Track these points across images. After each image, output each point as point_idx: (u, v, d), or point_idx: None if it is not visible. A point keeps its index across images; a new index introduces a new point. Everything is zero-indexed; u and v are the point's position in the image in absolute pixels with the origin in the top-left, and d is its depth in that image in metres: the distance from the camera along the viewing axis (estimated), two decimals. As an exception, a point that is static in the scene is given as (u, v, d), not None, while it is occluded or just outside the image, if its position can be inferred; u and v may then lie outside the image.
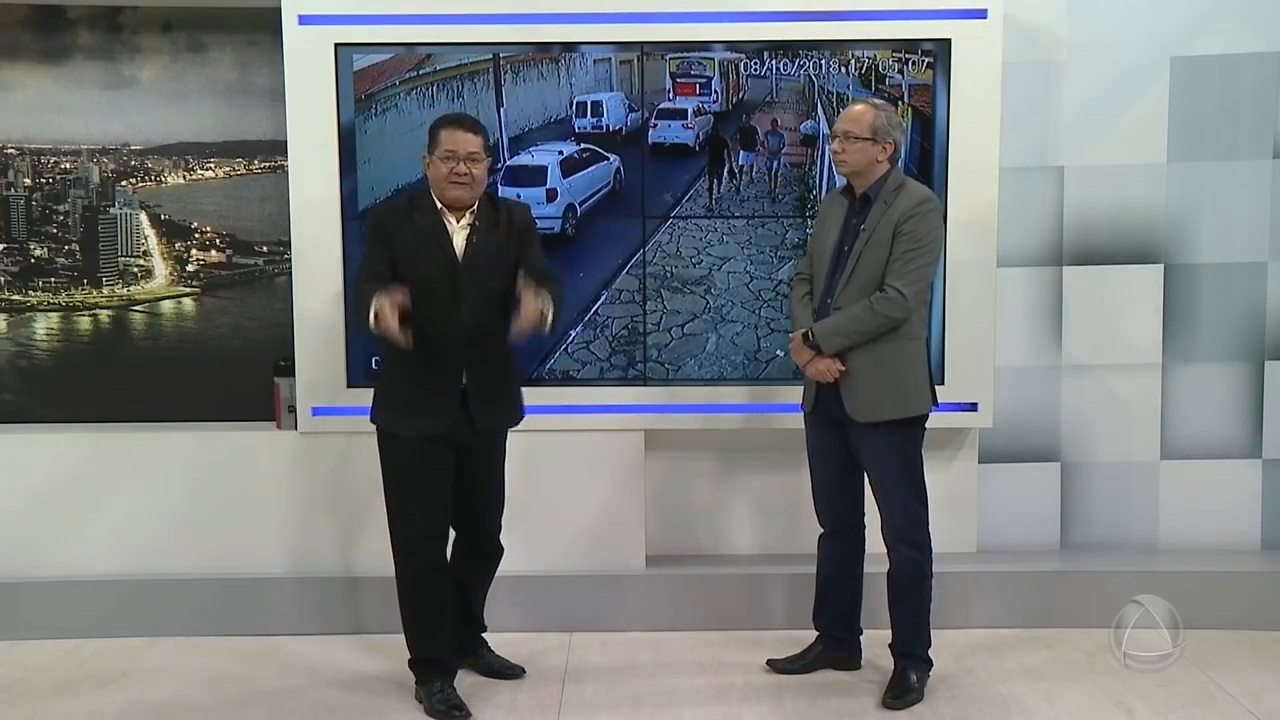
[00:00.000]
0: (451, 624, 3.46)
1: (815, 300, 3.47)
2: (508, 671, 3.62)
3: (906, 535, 3.42)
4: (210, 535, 4.07)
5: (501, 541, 3.57)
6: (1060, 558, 4.24)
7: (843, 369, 3.35)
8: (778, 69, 4.00)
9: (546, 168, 3.98)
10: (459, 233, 3.29)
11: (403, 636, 3.78)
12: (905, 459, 3.40)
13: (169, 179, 4.33)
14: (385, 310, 3.05)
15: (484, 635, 3.68)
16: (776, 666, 3.68)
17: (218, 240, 4.36)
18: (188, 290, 4.37)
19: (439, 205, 3.30)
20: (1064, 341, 4.24)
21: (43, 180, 4.31)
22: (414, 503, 3.34)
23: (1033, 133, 4.15)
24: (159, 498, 4.07)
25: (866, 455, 3.43)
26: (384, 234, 3.30)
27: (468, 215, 3.30)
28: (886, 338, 3.33)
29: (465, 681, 3.54)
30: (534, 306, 3.12)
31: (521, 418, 3.52)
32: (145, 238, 4.35)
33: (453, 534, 3.48)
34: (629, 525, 4.10)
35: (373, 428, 3.40)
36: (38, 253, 4.33)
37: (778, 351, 4.07)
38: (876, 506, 3.46)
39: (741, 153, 4.04)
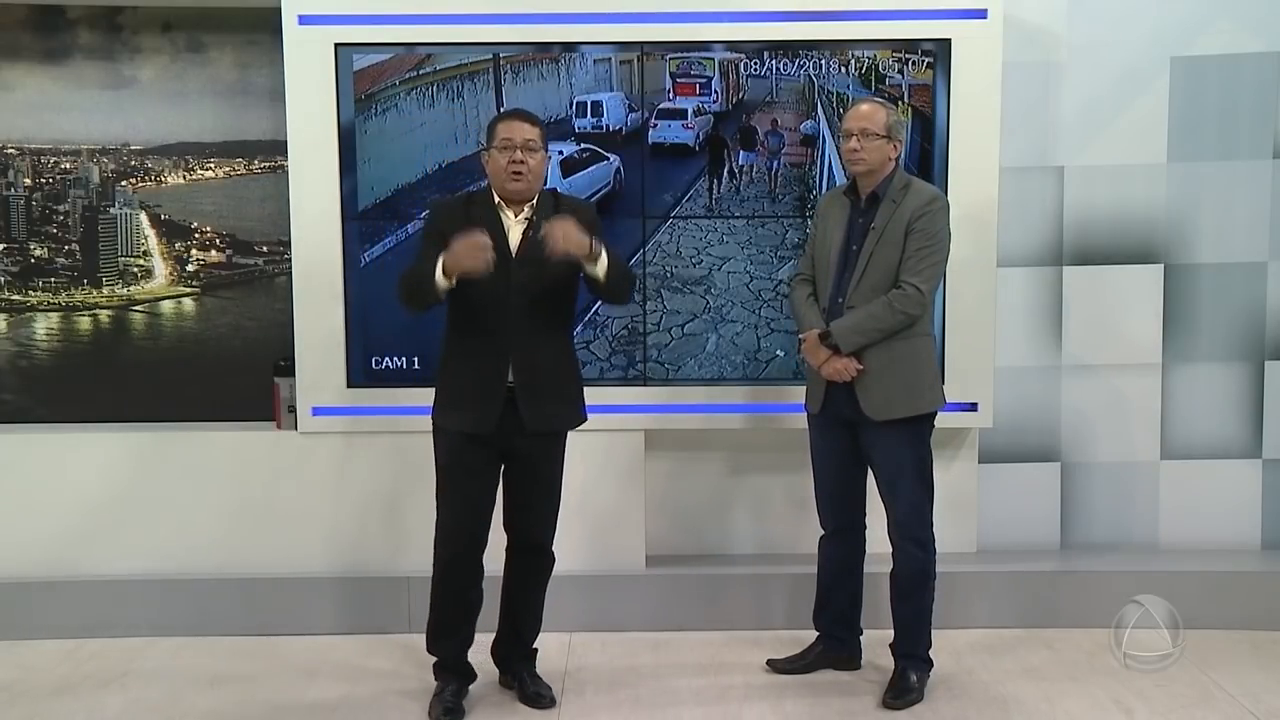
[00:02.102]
0: (471, 630, 3.43)
1: (823, 300, 3.47)
2: (541, 702, 3.45)
3: (913, 533, 3.43)
4: (209, 535, 4.07)
5: (554, 552, 3.46)
6: (1060, 558, 4.24)
7: (860, 368, 3.35)
8: (778, 69, 4.00)
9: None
10: (515, 227, 3.26)
11: (401, 636, 3.78)
12: (918, 456, 3.41)
13: (169, 179, 4.33)
14: (471, 244, 3.05)
15: (530, 659, 3.54)
16: (776, 666, 3.68)
17: (218, 240, 4.36)
18: (188, 290, 4.37)
19: (497, 199, 3.27)
20: (1064, 341, 4.24)
21: (43, 180, 4.31)
22: (446, 502, 3.33)
23: (1033, 133, 4.15)
24: (158, 498, 4.06)
25: (878, 454, 3.43)
26: (438, 232, 3.23)
27: (526, 209, 3.27)
28: (900, 335, 3.34)
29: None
30: (569, 224, 3.11)
31: (582, 419, 3.41)
32: (145, 238, 4.36)
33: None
34: (629, 525, 4.09)
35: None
36: (38, 253, 4.33)
37: (778, 351, 4.07)
38: (883, 504, 3.46)
39: (741, 153, 4.04)
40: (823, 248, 3.49)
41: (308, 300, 4.00)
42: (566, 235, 3.09)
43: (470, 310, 3.25)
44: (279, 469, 4.07)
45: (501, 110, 3.41)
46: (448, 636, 3.41)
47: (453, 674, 3.43)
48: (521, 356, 3.24)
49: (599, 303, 4.02)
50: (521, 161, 3.19)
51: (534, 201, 3.28)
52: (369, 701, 3.50)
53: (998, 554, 4.24)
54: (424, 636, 3.46)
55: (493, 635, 3.54)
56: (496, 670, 3.57)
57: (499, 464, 3.33)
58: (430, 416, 3.36)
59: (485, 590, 3.43)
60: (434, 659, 3.45)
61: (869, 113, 3.37)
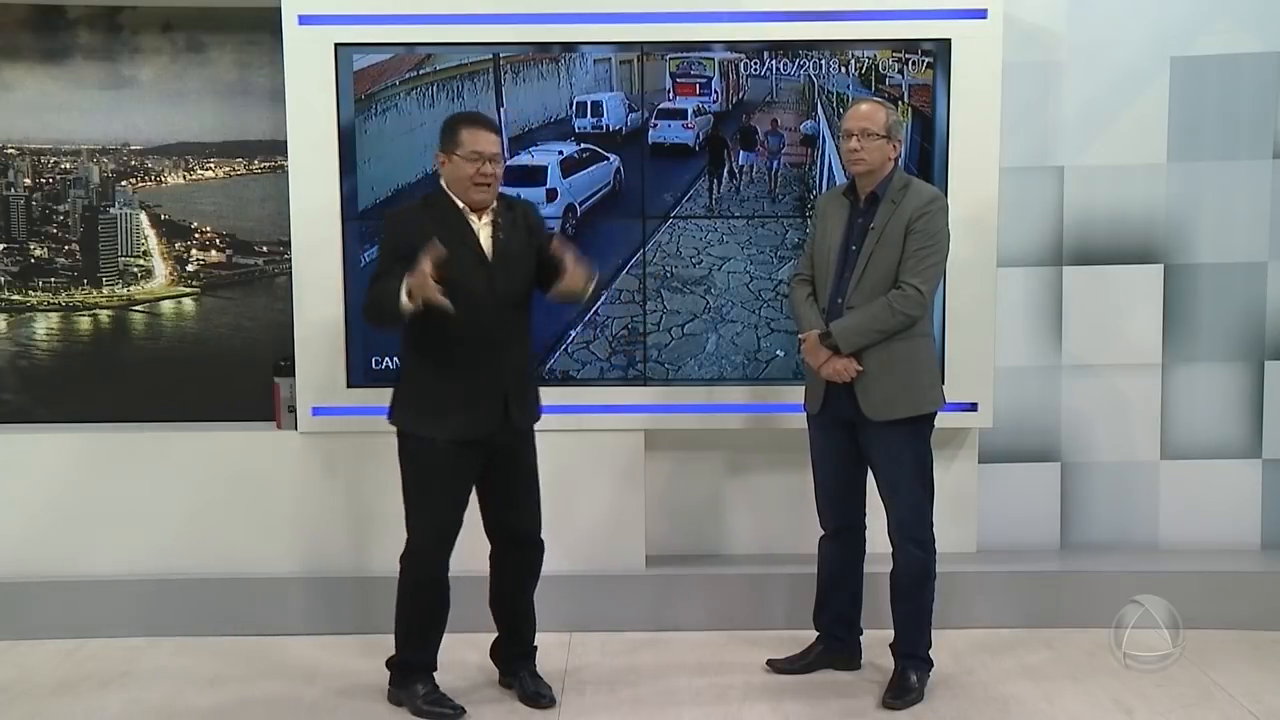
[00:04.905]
0: (443, 630, 3.43)
1: (823, 300, 3.46)
2: (544, 700, 3.45)
3: (913, 534, 3.43)
4: (210, 535, 4.07)
5: (543, 539, 3.51)
6: (1060, 558, 4.24)
7: (860, 368, 3.35)
8: (778, 69, 4.00)
9: (546, 168, 3.98)
10: (483, 230, 3.28)
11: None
12: (918, 456, 3.41)
13: (169, 179, 4.33)
14: (424, 276, 3.03)
15: (529, 658, 3.54)
16: (776, 666, 3.68)
17: (218, 240, 4.36)
18: (188, 290, 4.38)
19: (459, 204, 3.27)
20: (1064, 341, 4.24)
21: (43, 180, 4.31)
22: (433, 507, 3.31)
23: (1033, 133, 4.15)
24: (159, 498, 4.06)
25: (879, 454, 3.43)
26: (405, 246, 3.16)
27: (488, 214, 3.29)
28: (899, 336, 3.34)
29: (463, 682, 3.55)
30: (580, 268, 3.19)
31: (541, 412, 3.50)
32: (145, 238, 4.36)
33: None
34: (629, 525, 4.10)
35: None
36: (38, 253, 4.33)
37: (778, 351, 4.07)
38: (883, 505, 3.46)
39: (741, 153, 4.04)
40: (822, 248, 3.49)
41: (308, 300, 4.01)
42: (582, 280, 3.24)
43: (457, 316, 3.20)
44: (279, 469, 4.07)
45: (462, 113, 3.33)
46: (429, 640, 3.41)
47: (422, 671, 3.42)
48: (509, 357, 3.29)
49: (599, 302, 4.03)
50: (491, 174, 3.23)
51: (493, 205, 3.31)
52: (369, 701, 3.49)
53: (998, 554, 4.24)
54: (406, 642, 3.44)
55: (479, 636, 3.55)
56: (496, 670, 3.58)
57: (482, 464, 3.34)
58: (398, 428, 3.33)
59: (474, 594, 3.47)
60: (402, 663, 3.42)
61: (869, 113, 3.37)
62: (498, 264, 3.26)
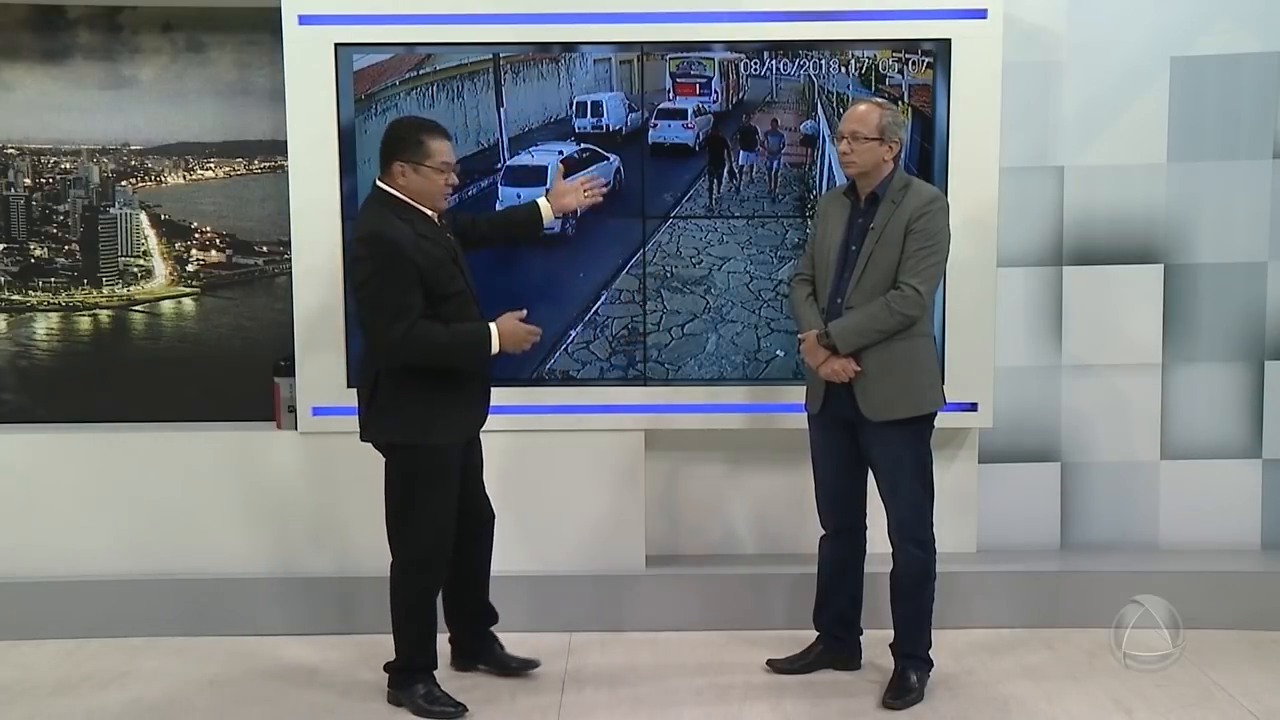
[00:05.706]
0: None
1: (822, 300, 3.47)
2: (525, 667, 3.60)
3: (914, 534, 3.43)
4: (210, 536, 4.07)
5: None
6: (1060, 558, 4.24)
7: (858, 369, 3.35)
8: (778, 69, 4.00)
9: (546, 168, 3.98)
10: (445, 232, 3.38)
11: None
12: (917, 456, 3.41)
13: (169, 179, 4.33)
14: (525, 331, 3.30)
15: (494, 630, 3.64)
16: (776, 666, 3.69)
17: (218, 240, 4.36)
18: (188, 290, 4.37)
19: (426, 211, 3.30)
20: (1064, 341, 4.24)
21: (43, 180, 4.31)
22: (437, 512, 3.33)
23: (1033, 133, 4.15)
24: (159, 498, 4.07)
25: (879, 454, 3.43)
26: (411, 264, 3.17)
27: (438, 218, 3.36)
28: (899, 336, 3.34)
29: (463, 680, 3.56)
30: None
31: None
32: (145, 238, 4.36)
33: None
34: (629, 525, 4.10)
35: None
36: (38, 253, 4.33)
37: (778, 351, 4.07)
38: (883, 505, 3.46)
39: (741, 153, 4.04)
40: (822, 248, 3.49)
41: (308, 300, 4.01)
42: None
43: (456, 320, 3.29)
44: (279, 469, 4.08)
45: (426, 123, 3.31)
46: (433, 643, 3.44)
47: (424, 672, 3.43)
48: None
49: (599, 302, 4.03)
50: (455, 183, 3.35)
51: None
52: (368, 701, 3.50)
53: (998, 554, 4.24)
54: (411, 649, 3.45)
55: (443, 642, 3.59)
56: (455, 662, 3.65)
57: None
58: (388, 442, 3.34)
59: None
60: (404, 667, 3.44)
61: (861, 115, 3.37)
62: (463, 262, 3.37)
